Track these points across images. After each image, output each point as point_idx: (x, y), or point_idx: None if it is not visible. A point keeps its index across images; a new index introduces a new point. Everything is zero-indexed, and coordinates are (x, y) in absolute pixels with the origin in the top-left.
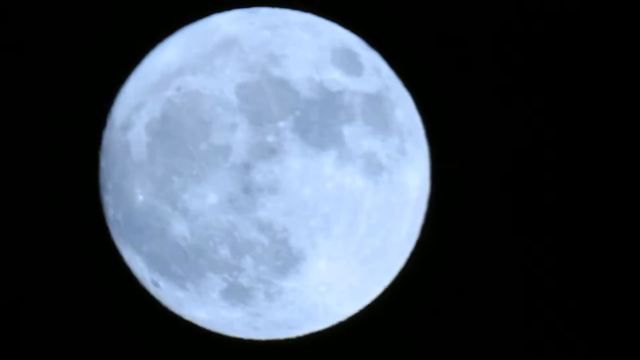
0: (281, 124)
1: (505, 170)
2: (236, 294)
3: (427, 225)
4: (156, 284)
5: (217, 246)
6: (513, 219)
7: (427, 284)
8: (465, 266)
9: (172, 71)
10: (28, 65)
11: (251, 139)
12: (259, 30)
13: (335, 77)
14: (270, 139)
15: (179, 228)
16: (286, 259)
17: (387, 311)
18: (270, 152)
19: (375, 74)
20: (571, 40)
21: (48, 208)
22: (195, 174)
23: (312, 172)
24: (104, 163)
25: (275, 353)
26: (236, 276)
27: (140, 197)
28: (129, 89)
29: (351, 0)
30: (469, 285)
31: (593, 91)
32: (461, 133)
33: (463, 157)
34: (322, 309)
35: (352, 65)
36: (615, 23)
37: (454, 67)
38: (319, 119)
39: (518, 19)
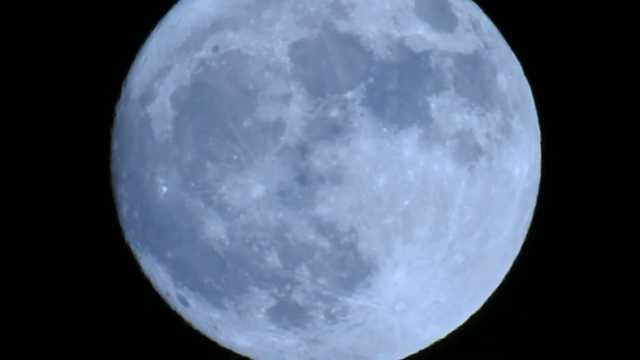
0: (349, 95)
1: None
2: (288, 314)
3: (538, 225)
4: (184, 302)
5: (263, 252)
6: None
7: (536, 301)
8: (588, 279)
9: (206, 26)
10: (23, 20)
11: (310, 113)
12: None
13: (420, 34)
14: (334, 113)
15: (215, 229)
16: (354, 269)
17: (483, 337)
18: (335, 130)
19: (472, 30)
20: None
21: (46, 203)
22: (236, 159)
23: (388, 156)
24: (117, 145)
25: None
26: (288, 291)
27: (164, 189)
28: (151, 49)
29: None
30: (589, 303)
31: None
32: (582, 107)
33: (585, 139)
34: (400, 334)
35: (442, 18)
36: None
37: (576, 22)
38: (399, 87)
39: None
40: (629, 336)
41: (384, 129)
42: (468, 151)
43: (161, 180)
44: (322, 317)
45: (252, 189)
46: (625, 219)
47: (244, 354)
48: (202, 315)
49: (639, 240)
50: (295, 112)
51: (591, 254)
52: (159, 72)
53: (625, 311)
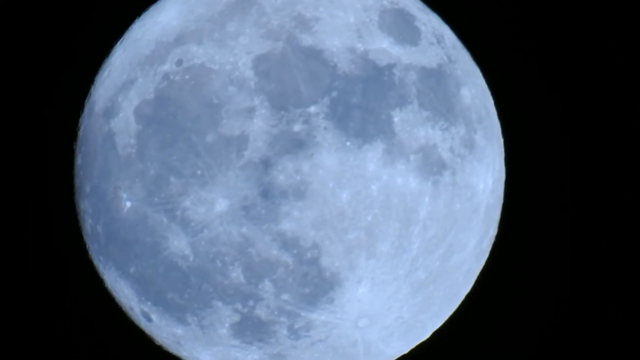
0: (312, 109)
1: (601, 167)
2: (252, 329)
3: (502, 240)
4: (148, 317)
5: (227, 267)
6: (613, 231)
7: (500, 316)
8: (551, 294)
9: (170, 39)
10: None
11: (273, 127)
12: None
13: (384, 47)
14: (297, 127)
15: (178, 244)
16: (317, 285)
17: (446, 352)
18: (298, 145)
19: (435, 43)
20: None
21: (10, 217)
22: (200, 174)
23: (351, 170)
24: (80, 159)
25: None
26: (252, 306)
27: (128, 204)
28: (115, 62)
29: None
30: (553, 318)
31: None
32: (546, 120)
33: (549, 152)
34: (363, 349)
35: (406, 32)
36: None
37: (539, 36)
38: (362, 101)
39: None
40: (596, 352)
41: (348, 143)
42: (432, 166)
43: (124, 195)
44: (285, 332)
45: (215, 203)
46: (589, 235)
47: None
48: (165, 330)
49: (602, 254)
50: (259, 126)
51: (556, 269)
52: (123, 86)
53: (591, 326)
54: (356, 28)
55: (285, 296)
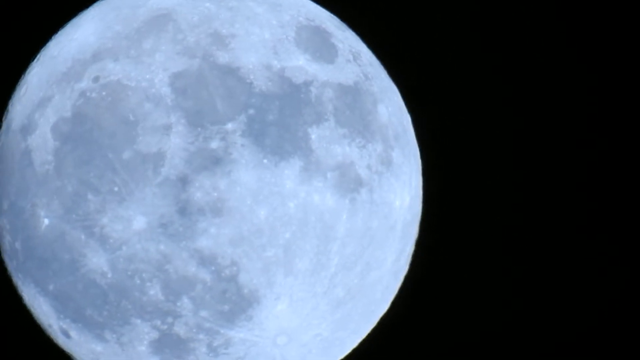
0: (229, 126)
1: (519, 183)
2: (170, 346)
3: (419, 257)
4: (66, 334)
5: (145, 284)
6: (530, 246)
7: (419, 333)
8: (468, 311)
9: (87, 56)
10: None
11: (190, 144)
12: (201, 2)
13: (301, 64)
14: (214, 144)
15: (97, 261)
16: (235, 302)
17: None
18: (215, 162)
19: (352, 60)
20: None
21: None
22: (117, 191)
23: (269, 188)
24: None
25: None
26: (170, 323)
27: (46, 221)
28: (31, 79)
29: None
30: (472, 335)
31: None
32: (464, 137)
33: (466, 169)
34: None
35: (322, 49)
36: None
37: (455, 53)
38: (279, 118)
39: None
40: None
41: (265, 161)
42: (349, 183)
43: (42, 212)
44: (204, 349)
45: (133, 220)
46: (507, 252)
47: None
48: (84, 347)
49: (522, 271)
50: (176, 143)
51: (474, 287)
52: (40, 103)
53: (512, 342)
54: (272, 45)
55: (203, 313)
